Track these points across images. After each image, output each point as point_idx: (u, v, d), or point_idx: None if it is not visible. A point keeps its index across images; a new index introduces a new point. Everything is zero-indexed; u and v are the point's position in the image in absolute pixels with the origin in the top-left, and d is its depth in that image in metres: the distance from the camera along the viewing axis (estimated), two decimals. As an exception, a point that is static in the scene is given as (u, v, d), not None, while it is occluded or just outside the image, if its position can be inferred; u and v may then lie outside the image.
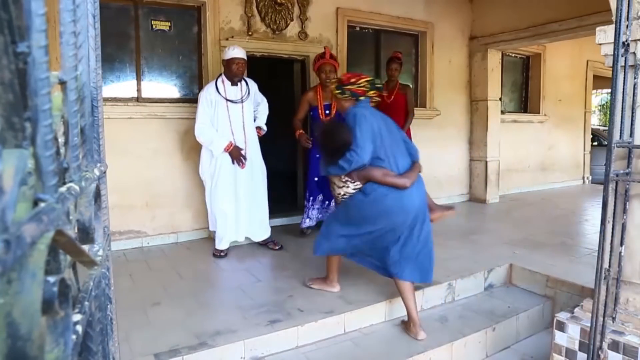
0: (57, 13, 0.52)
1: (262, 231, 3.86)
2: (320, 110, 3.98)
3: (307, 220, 4.20)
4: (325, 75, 3.84)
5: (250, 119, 3.75)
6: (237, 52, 3.54)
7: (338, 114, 3.30)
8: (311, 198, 4.14)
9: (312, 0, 4.72)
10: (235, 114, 3.63)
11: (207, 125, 3.57)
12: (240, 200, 3.68)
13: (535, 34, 5.39)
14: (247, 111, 3.70)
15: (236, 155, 3.60)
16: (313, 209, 4.16)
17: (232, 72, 3.57)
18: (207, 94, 3.58)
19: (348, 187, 2.58)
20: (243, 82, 3.70)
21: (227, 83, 3.63)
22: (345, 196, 2.62)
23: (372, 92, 2.66)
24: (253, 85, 3.79)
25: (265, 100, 3.92)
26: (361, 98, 2.64)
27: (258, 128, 3.84)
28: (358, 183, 2.56)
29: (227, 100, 3.60)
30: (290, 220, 4.75)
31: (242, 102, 3.66)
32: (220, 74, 3.68)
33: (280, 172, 4.54)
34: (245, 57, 3.60)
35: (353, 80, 2.64)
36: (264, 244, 3.96)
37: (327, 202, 4.17)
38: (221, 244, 3.70)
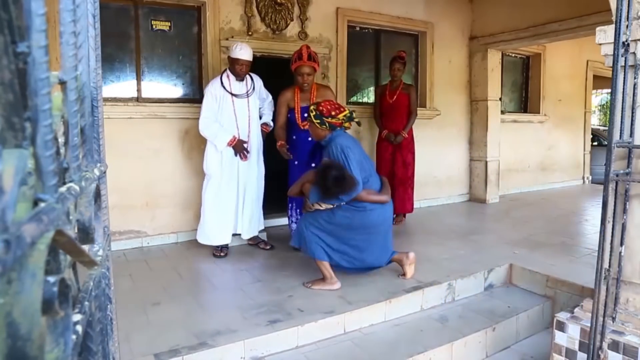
0: (57, 13, 0.52)
1: (252, 227, 3.82)
2: (297, 114, 3.76)
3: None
4: (302, 79, 3.60)
5: (256, 114, 3.76)
6: (242, 53, 3.52)
7: (318, 146, 3.38)
8: (298, 210, 3.77)
9: (312, 0, 4.72)
10: (241, 108, 3.64)
11: (211, 120, 3.58)
12: (238, 193, 3.70)
13: (535, 34, 5.38)
14: (253, 106, 3.72)
15: (240, 148, 3.61)
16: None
17: (235, 71, 3.59)
18: (213, 89, 3.60)
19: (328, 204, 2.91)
20: (248, 77, 3.72)
21: (232, 78, 3.64)
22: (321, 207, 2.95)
23: (347, 123, 2.98)
24: (258, 81, 3.81)
25: (270, 96, 3.92)
26: (337, 129, 2.96)
27: (265, 125, 3.84)
28: None
29: (233, 95, 3.61)
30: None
31: (247, 96, 3.67)
32: (225, 69, 3.70)
33: (279, 172, 4.52)
34: (250, 59, 3.58)
35: (333, 113, 2.92)
36: (254, 244, 3.96)
37: None
38: (217, 239, 3.69)
